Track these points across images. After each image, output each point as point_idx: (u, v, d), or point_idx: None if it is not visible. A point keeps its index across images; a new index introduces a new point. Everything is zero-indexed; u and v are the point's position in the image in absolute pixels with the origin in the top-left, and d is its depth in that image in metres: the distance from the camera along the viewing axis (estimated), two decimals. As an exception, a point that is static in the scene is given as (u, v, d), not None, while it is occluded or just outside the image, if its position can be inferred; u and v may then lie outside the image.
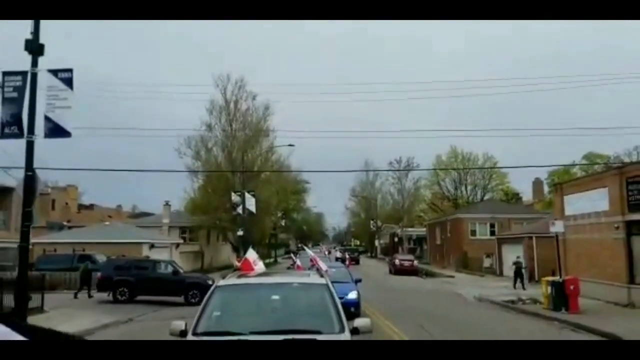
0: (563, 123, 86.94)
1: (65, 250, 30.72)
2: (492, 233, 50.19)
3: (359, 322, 6.25)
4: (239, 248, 43.73)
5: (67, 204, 57.99)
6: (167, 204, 48.38)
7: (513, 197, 72.34)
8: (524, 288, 28.84)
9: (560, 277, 20.67)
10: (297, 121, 75.93)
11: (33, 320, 15.30)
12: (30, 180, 15.36)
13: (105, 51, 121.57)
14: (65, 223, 48.90)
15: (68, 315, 18.26)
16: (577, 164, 55.35)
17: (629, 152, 62.09)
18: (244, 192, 41.59)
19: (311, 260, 19.38)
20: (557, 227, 21.66)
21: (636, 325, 16.28)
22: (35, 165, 15.48)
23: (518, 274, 30.17)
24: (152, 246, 35.39)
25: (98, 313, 18.87)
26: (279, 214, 65.95)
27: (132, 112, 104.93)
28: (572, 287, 19.50)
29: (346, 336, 5.78)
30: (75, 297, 23.99)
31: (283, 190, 56.90)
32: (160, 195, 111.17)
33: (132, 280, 22.77)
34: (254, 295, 6.89)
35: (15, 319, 2.87)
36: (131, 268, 23.64)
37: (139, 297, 22.85)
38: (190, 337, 5.83)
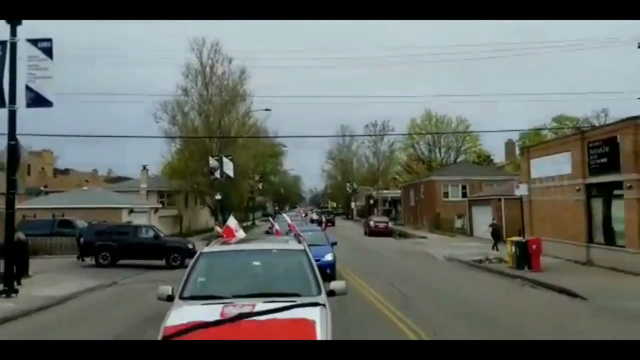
0: (537, 86, 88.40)
1: (44, 215, 30.93)
2: (464, 195, 51.66)
3: (334, 284, 6.67)
4: (217, 212, 44.36)
5: (43, 169, 57.48)
6: (144, 168, 48.44)
7: (485, 160, 73.97)
8: (497, 249, 28.72)
9: (524, 237, 21.90)
10: (274, 87, 75.74)
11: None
12: (13, 148, 15.77)
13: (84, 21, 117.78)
14: (42, 188, 48.70)
15: (52, 279, 18.83)
16: (544, 128, 56.89)
17: (597, 114, 64.00)
18: (222, 156, 41.95)
19: (289, 225, 20.13)
20: (522, 190, 22.79)
21: (589, 281, 17.61)
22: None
23: (495, 235, 30.43)
24: (131, 211, 35.81)
25: (82, 277, 19.44)
26: (257, 178, 66.43)
27: (111, 77, 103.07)
28: (534, 247, 20.71)
29: (323, 298, 6.07)
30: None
31: (260, 155, 57.21)
32: (135, 158, 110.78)
33: (114, 245, 23.33)
34: (236, 262, 7.24)
35: None
36: (113, 233, 24.18)
37: (121, 261, 23.46)
38: (177, 301, 6.19)
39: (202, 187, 46.87)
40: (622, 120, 20.49)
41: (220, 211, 43.13)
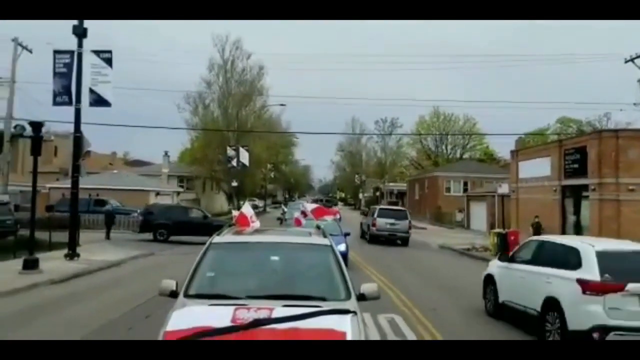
0: (548, 90, 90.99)
1: (80, 194, 34.40)
2: (465, 190, 54.78)
3: (366, 287, 5.78)
4: (233, 198, 48.01)
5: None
6: (166, 154, 51.94)
7: (489, 158, 76.86)
8: None
9: (504, 229, 25.12)
10: (290, 82, 79.62)
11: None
12: (78, 140, 19.26)
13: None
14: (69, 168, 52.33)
15: (101, 248, 22.36)
16: (538, 133, 59.71)
17: (599, 117, 66.60)
18: (239, 146, 45.44)
19: (302, 212, 21.36)
20: (503, 189, 25.98)
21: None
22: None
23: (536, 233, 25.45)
24: (157, 194, 39.35)
25: (126, 248, 22.90)
26: (269, 167, 69.88)
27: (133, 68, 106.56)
28: (512, 238, 23.87)
29: (353, 304, 5.21)
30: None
31: (274, 145, 60.62)
32: (152, 142, 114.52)
33: (170, 223, 26.95)
34: (251, 255, 6.30)
35: None
36: (168, 213, 28.11)
37: (174, 238, 26.85)
38: (181, 298, 5.35)
39: (219, 174, 50.44)
40: (591, 133, 23.58)
41: (236, 197, 46.74)
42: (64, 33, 19.05)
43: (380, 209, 32.72)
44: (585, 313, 8.18)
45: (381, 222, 29.98)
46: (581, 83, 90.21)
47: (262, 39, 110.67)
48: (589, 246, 9.11)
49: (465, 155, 77.29)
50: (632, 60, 29.52)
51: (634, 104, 30.93)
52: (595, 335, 7.94)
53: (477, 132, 74.09)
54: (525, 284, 10.16)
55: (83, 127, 19.79)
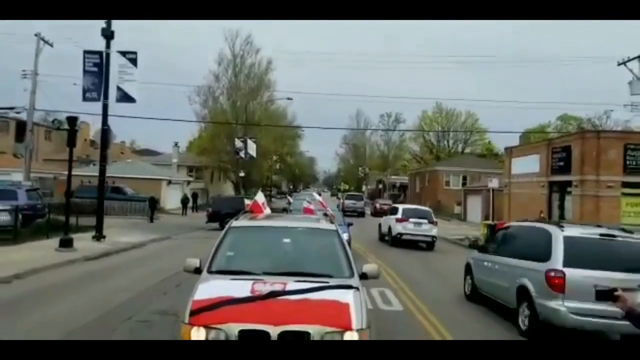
0: (551, 88, 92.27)
1: (96, 182, 36.39)
2: (464, 184, 56.66)
3: (367, 267, 6.40)
4: (240, 187, 49.98)
5: (85, 140, 62.93)
6: (176, 145, 53.90)
7: (490, 153, 78.52)
8: None
9: (493, 221, 26.99)
10: (297, 74, 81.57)
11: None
12: (105, 132, 21.18)
13: None
14: (84, 157, 54.40)
15: (122, 232, 24.24)
16: (535, 131, 61.30)
17: (599, 115, 68.17)
18: (246, 138, 47.30)
19: (308, 202, 22.69)
20: (494, 183, 27.85)
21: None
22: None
23: None
24: (169, 182, 41.30)
25: (144, 232, 24.90)
26: (275, 158, 71.69)
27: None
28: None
29: (356, 282, 5.87)
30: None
31: (280, 137, 62.41)
32: (158, 130, 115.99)
33: (235, 212, 28.94)
34: (266, 238, 6.98)
35: None
36: (231, 203, 31.03)
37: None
38: (205, 274, 6.01)
39: (226, 164, 52.35)
40: (575, 133, 25.37)
41: (243, 187, 48.66)
42: (64, 26, 20.81)
43: (347, 195, 58.77)
44: (397, 229, 23.58)
45: (347, 202, 50.85)
46: (584, 80, 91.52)
47: (270, 33, 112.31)
48: (402, 207, 25.41)
49: (467, 150, 79.01)
50: (624, 63, 31.21)
51: (624, 105, 32.68)
52: (398, 236, 23.57)
53: (479, 127, 75.83)
54: (386, 224, 25.54)
55: (95, 118, 21.52)
